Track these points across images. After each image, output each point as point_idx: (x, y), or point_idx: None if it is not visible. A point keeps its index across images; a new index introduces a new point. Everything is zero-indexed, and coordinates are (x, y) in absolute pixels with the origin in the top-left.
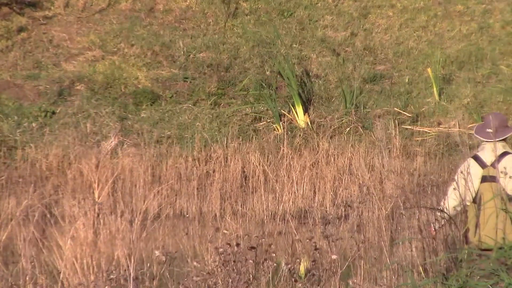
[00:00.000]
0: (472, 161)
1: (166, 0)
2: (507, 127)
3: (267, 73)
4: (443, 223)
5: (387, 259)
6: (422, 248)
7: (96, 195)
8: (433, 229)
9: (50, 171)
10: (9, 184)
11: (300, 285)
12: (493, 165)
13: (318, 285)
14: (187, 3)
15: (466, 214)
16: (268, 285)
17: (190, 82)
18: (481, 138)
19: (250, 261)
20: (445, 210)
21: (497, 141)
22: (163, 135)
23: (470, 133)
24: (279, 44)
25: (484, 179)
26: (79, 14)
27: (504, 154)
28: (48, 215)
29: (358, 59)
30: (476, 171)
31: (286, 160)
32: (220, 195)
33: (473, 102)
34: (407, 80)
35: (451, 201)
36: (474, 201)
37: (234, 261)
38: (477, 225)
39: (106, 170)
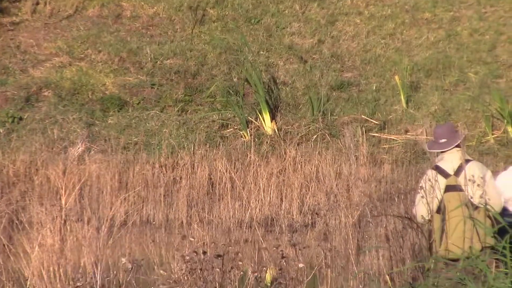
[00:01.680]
0: (433, 172)
1: (133, 6)
2: (457, 133)
3: (234, 80)
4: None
5: (354, 267)
6: (389, 256)
7: (63, 202)
8: None
9: (17, 177)
10: None
11: None
12: (456, 174)
13: None
14: (154, 9)
15: (431, 224)
16: None
17: (157, 88)
18: (437, 151)
19: (217, 269)
20: (413, 218)
21: (453, 149)
22: (130, 141)
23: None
24: (246, 51)
25: (448, 188)
26: (46, 20)
27: (467, 161)
28: (16, 221)
29: (325, 66)
30: (439, 182)
31: (253, 167)
32: (187, 202)
33: (441, 110)
34: (374, 88)
35: (419, 209)
36: (437, 211)
37: (201, 269)
38: (443, 235)
39: (73, 176)
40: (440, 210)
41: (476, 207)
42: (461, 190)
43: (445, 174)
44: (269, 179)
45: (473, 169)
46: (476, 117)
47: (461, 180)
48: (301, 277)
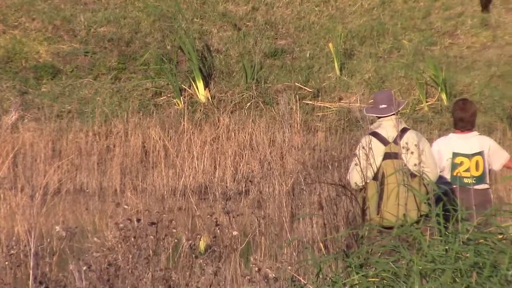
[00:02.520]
0: (372, 138)
1: None
2: (396, 101)
3: (168, 47)
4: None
5: (288, 235)
6: (323, 224)
7: None
8: None
9: None
10: None
11: (200, 261)
12: (395, 141)
13: (219, 261)
14: None
15: (366, 191)
16: (168, 261)
17: (91, 56)
18: (378, 115)
19: (151, 237)
20: (347, 185)
21: (391, 116)
22: (63, 109)
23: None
24: (180, 19)
25: (386, 156)
26: None
27: (404, 130)
28: None
29: (259, 34)
30: (378, 148)
31: (186, 135)
32: (121, 170)
33: (375, 77)
34: (308, 55)
35: (353, 176)
36: (374, 178)
37: (135, 237)
38: (379, 202)
39: (7, 145)
40: (377, 177)
41: (414, 175)
42: (398, 157)
43: (384, 141)
44: (203, 147)
45: (411, 137)
46: (410, 84)
47: (398, 147)
48: (235, 245)
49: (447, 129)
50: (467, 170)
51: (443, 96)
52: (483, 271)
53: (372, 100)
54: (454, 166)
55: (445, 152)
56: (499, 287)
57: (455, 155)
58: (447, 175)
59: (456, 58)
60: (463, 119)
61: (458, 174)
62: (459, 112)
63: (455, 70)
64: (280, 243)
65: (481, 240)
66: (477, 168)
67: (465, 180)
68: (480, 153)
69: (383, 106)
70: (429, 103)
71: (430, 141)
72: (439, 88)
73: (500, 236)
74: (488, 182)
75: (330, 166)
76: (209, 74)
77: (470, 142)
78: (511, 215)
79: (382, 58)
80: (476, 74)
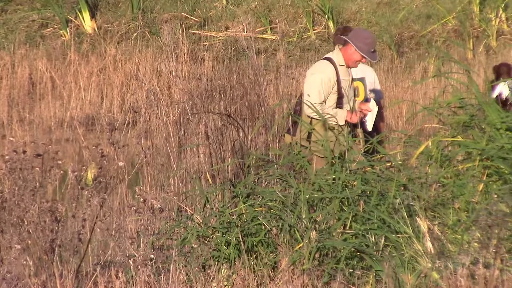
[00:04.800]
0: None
1: None
2: None
3: None
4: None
5: (175, 165)
6: (209, 154)
7: None
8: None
9: None
10: None
11: (86, 192)
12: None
13: (105, 192)
14: None
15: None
16: (55, 193)
17: None
18: (371, 60)
19: (37, 168)
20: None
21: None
22: None
23: (257, 37)
24: None
25: None
26: None
27: None
28: None
29: None
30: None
31: (73, 66)
32: (7, 102)
33: (261, 6)
34: None
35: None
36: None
37: (21, 169)
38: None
39: None
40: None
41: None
42: None
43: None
44: (90, 78)
45: None
46: (297, 13)
47: None
48: (122, 176)
49: None
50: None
51: (330, 24)
52: (370, 200)
53: (367, 40)
54: None
55: None
56: (386, 215)
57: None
58: None
59: None
60: None
61: None
62: None
63: None
64: (167, 173)
65: (368, 168)
66: (356, 94)
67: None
68: (361, 79)
69: (373, 50)
70: (316, 31)
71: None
72: (326, 16)
73: (388, 164)
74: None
75: (216, 96)
76: (95, 5)
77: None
78: (398, 143)
79: None
80: (363, 2)
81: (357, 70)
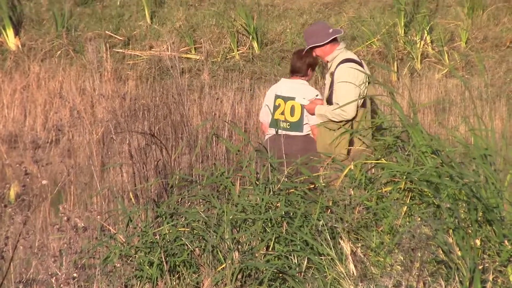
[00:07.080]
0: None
1: None
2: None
3: None
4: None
5: (98, 184)
6: (133, 173)
7: None
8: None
9: None
10: None
11: (10, 210)
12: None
13: (28, 210)
14: None
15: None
16: None
17: None
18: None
19: None
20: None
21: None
22: None
23: (182, 57)
24: None
25: None
26: None
27: None
28: None
29: None
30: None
31: None
32: None
33: (185, 26)
34: (118, 3)
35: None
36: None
37: None
38: None
39: None
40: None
41: None
42: None
43: None
44: (13, 95)
45: None
46: (221, 33)
47: None
48: (45, 194)
49: (259, 77)
50: (282, 113)
51: (255, 44)
52: (294, 221)
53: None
54: (274, 108)
55: (270, 94)
56: (309, 237)
57: (276, 97)
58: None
59: (267, 7)
60: (292, 66)
61: (276, 118)
62: (293, 58)
63: (267, 18)
64: (90, 192)
65: (292, 190)
66: (291, 113)
67: (281, 124)
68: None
69: (332, 30)
70: (241, 51)
71: (242, 90)
72: (251, 36)
73: (312, 186)
74: (307, 130)
75: (140, 115)
76: (19, 22)
77: (292, 86)
78: (322, 165)
79: (193, 6)
80: (287, 23)
81: (297, 88)
